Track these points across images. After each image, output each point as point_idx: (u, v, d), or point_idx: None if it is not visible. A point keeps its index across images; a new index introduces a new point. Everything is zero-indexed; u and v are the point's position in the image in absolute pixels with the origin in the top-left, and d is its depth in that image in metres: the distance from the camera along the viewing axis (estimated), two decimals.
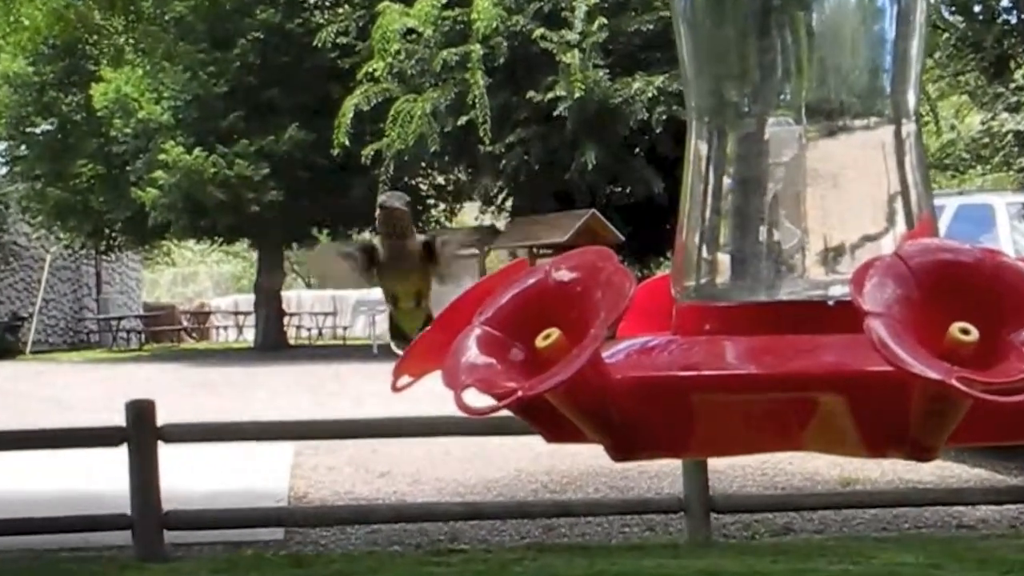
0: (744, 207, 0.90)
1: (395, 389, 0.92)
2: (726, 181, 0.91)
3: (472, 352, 0.80)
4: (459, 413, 0.78)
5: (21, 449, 7.90)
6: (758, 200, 0.89)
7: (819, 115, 0.88)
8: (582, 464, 9.52)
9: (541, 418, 0.83)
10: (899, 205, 0.88)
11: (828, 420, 0.79)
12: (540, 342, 0.78)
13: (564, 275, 0.83)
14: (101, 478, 8.28)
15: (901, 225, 0.87)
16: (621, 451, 0.82)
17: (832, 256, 0.87)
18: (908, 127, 0.89)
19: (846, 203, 0.88)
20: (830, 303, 0.85)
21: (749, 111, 0.90)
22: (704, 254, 0.91)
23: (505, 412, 0.77)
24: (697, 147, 0.93)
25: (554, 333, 0.78)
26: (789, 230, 0.88)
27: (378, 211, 2.19)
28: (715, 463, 7.99)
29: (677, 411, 0.81)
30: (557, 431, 0.84)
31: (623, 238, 20.34)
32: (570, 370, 0.73)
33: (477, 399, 0.76)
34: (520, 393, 0.74)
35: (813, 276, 0.87)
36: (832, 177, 0.88)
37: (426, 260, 2.22)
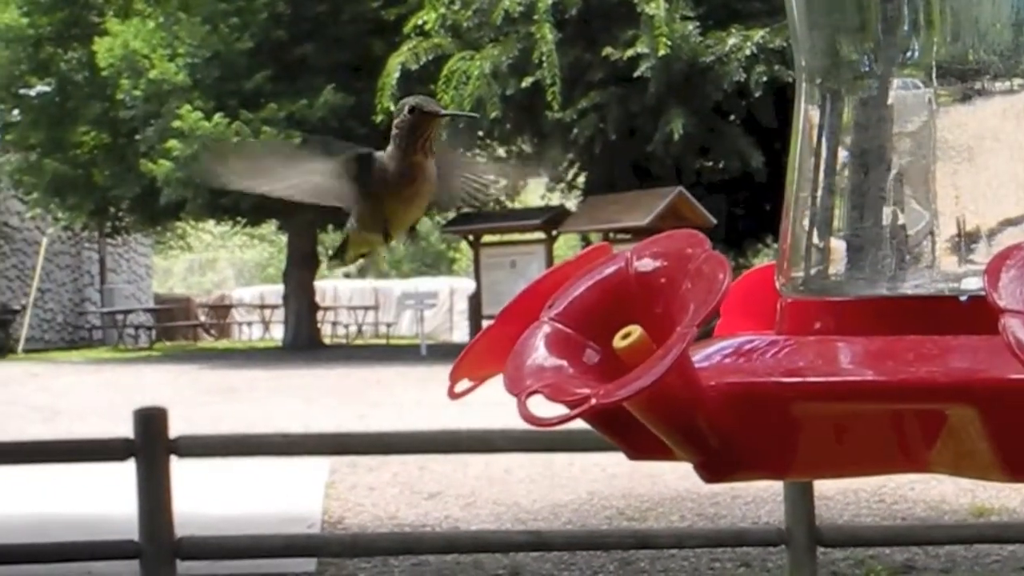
0: (863, 185, 0.90)
1: (452, 395, 0.90)
2: (842, 154, 0.91)
3: (539, 352, 0.80)
4: (522, 425, 0.78)
5: (10, 464, 7.98)
6: (879, 176, 0.89)
7: (953, 76, 0.87)
8: (665, 487, 9.51)
9: (620, 431, 0.83)
10: None
11: (959, 437, 0.79)
12: (619, 342, 0.78)
13: (647, 263, 0.83)
14: (104, 498, 8.36)
15: None
16: (713, 471, 0.82)
17: (966, 243, 0.86)
18: None
19: (984, 180, 0.87)
20: (962, 298, 0.85)
21: (870, 71, 0.90)
22: (815, 240, 0.91)
23: (575, 424, 0.77)
24: (807, 114, 0.92)
25: (635, 331, 0.78)
26: (916, 212, 0.87)
27: (408, 115, 2.14)
28: (823, 488, 7.95)
29: (780, 424, 0.80)
30: (640, 446, 0.84)
31: (714, 221, 20.32)
32: (653, 375, 0.73)
33: (544, 408, 0.77)
34: (594, 401, 0.74)
35: (944, 266, 0.86)
36: (967, 149, 0.87)
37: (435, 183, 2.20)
